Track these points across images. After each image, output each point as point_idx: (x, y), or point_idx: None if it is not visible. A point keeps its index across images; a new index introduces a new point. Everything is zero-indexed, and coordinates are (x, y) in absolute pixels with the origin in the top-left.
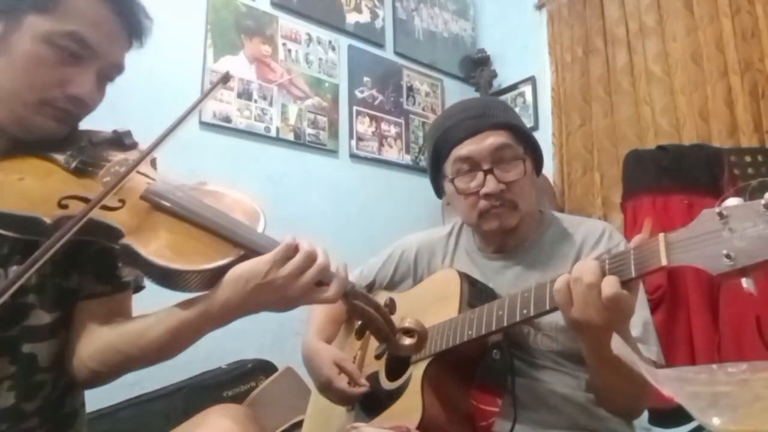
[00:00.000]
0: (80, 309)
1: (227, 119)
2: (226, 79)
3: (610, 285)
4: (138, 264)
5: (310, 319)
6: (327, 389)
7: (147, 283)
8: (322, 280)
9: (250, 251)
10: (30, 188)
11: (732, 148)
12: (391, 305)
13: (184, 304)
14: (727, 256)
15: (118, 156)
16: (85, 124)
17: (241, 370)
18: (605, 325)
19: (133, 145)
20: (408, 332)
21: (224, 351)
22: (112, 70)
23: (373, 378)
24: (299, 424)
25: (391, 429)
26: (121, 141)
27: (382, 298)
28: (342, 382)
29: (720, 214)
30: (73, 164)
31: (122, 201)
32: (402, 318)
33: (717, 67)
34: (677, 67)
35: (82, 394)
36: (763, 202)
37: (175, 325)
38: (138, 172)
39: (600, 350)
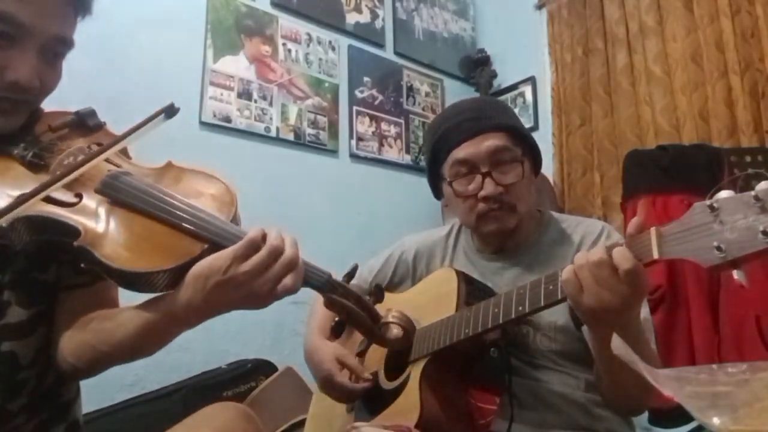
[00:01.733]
0: (62, 301)
1: (227, 119)
2: (171, 111)
3: (626, 258)
4: (96, 266)
5: (312, 316)
6: (329, 385)
7: None
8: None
9: (214, 245)
10: None
11: (732, 148)
12: (378, 293)
13: (148, 305)
14: (718, 248)
15: (76, 144)
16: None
17: (241, 370)
18: (622, 303)
19: (98, 126)
20: (394, 325)
21: (224, 351)
22: (56, 45)
23: (373, 378)
24: (299, 424)
25: (391, 428)
26: (83, 123)
27: None
28: (344, 377)
29: (711, 207)
30: (28, 156)
31: (79, 195)
32: (387, 312)
33: (717, 67)
34: (677, 67)
35: (76, 383)
36: (752, 193)
37: (143, 326)
38: (105, 161)
39: (624, 337)
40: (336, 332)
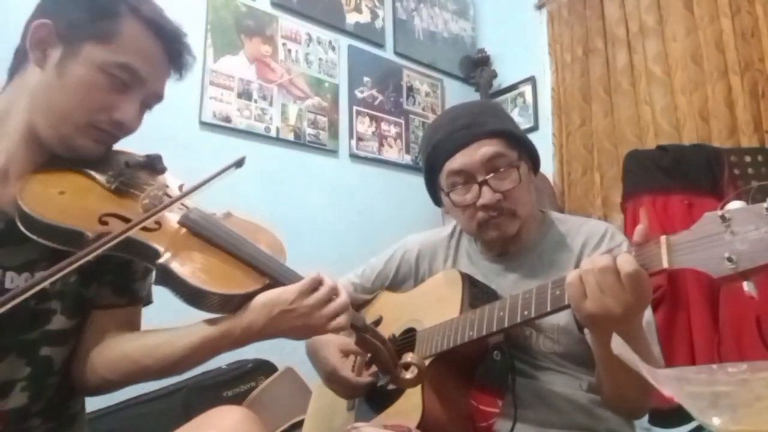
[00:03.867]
0: (95, 318)
1: (227, 119)
2: (239, 164)
3: (628, 262)
4: (172, 282)
5: None
6: (333, 379)
7: (155, 298)
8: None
9: (274, 281)
10: (71, 202)
11: (732, 148)
12: (394, 340)
13: (210, 323)
14: (729, 259)
15: (153, 180)
16: None
17: (241, 370)
18: (624, 311)
19: (163, 170)
20: (408, 366)
21: None
22: (153, 99)
23: (374, 377)
24: (299, 424)
25: (391, 428)
26: (153, 165)
27: (382, 298)
28: (348, 371)
29: (722, 217)
30: (114, 185)
31: (159, 224)
32: (405, 353)
33: (717, 67)
34: (677, 67)
35: (82, 398)
36: (765, 205)
37: (197, 342)
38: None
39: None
40: (367, 366)
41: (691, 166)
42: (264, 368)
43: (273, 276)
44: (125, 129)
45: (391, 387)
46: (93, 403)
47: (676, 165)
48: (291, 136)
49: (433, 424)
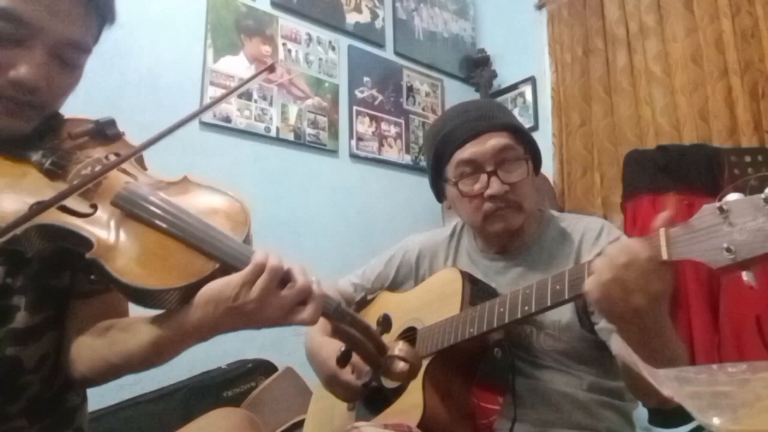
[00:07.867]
0: (74, 308)
1: (227, 119)
2: (271, 69)
3: (645, 248)
4: (107, 279)
5: None
6: (333, 383)
7: None
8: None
9: (225, 265)
10: (3, 194)
11: (732, 148)
12: (385, 323)
13: (160, 321)
14: (728, 250)
15: (95, 153)
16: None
17: (241, 370)
18: (649, 301)
19: (117, 136)
20: (400, 359)
21: (224, 351)
22: (67, 49)
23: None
24: (299, 424)
25: (392, 428)
26: (103, 132)
27: (383, 299)
28: (348, 375)
29: (720, 209)
30: (46, 164)
31: (94, 206)
32: (394, 344)
33: (717, 67)
34: (677, 67)
35: (83, 389)
36: (762, 196)
37: (154, 340)
38: (121, 170)
39: (657, 335)
40: (341, 362)
41: (691, 166)
42: (264, 368)
43: (222, 259)
44: (29, 88)
45: (390, 385)
46: (93, 403)
47: (676, 165)
48: (291, 136)
49: (435, 422)
